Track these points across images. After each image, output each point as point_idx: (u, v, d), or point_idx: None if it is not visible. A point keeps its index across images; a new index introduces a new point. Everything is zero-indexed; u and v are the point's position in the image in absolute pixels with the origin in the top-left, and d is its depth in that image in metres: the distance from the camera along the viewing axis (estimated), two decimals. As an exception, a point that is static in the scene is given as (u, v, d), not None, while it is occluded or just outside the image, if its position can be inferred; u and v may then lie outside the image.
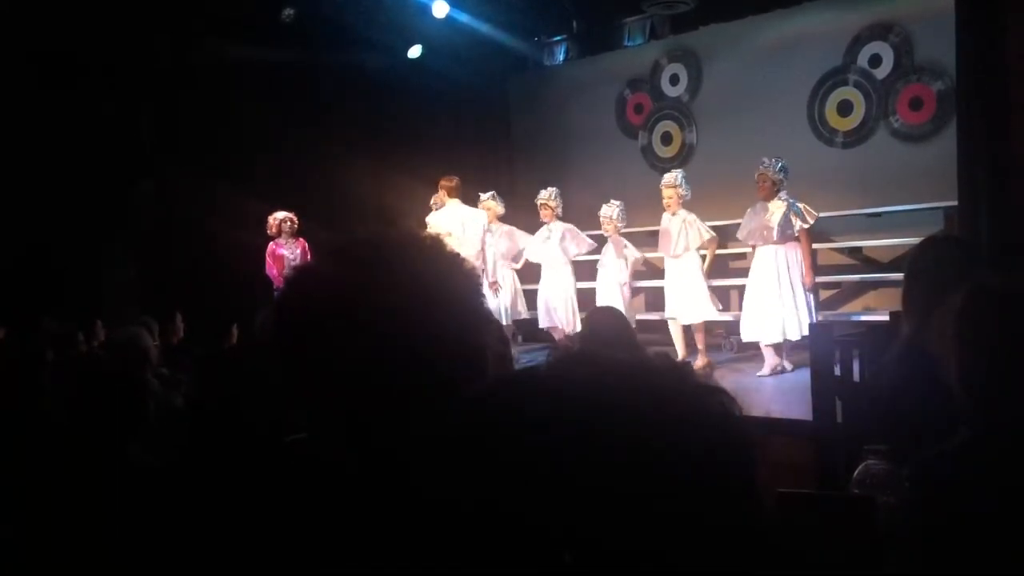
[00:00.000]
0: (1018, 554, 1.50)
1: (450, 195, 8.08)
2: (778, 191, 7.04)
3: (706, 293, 7.56)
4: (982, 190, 6.29)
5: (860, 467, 1.93)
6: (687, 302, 7.49)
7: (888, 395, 2.58)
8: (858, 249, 8.61)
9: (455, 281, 1.12)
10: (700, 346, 7.54)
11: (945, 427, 1.69)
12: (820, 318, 7.11)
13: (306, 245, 8.39)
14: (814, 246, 8.66)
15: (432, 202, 8.49)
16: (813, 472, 3.86)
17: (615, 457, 0.75)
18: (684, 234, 7.46)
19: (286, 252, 8.32)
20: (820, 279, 8.60)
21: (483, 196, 8.46)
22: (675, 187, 7.50)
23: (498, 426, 0.81)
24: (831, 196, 8.51)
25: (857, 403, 3.45)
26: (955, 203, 6.82)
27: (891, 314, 3.44)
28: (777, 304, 6.95)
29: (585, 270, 8.49)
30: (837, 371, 3.93)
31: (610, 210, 7.89)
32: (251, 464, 2.01)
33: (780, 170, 7.05)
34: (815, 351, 4.11)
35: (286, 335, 1.11)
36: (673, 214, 7.51)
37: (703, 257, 7.69)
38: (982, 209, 6.28)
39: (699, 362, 7.37)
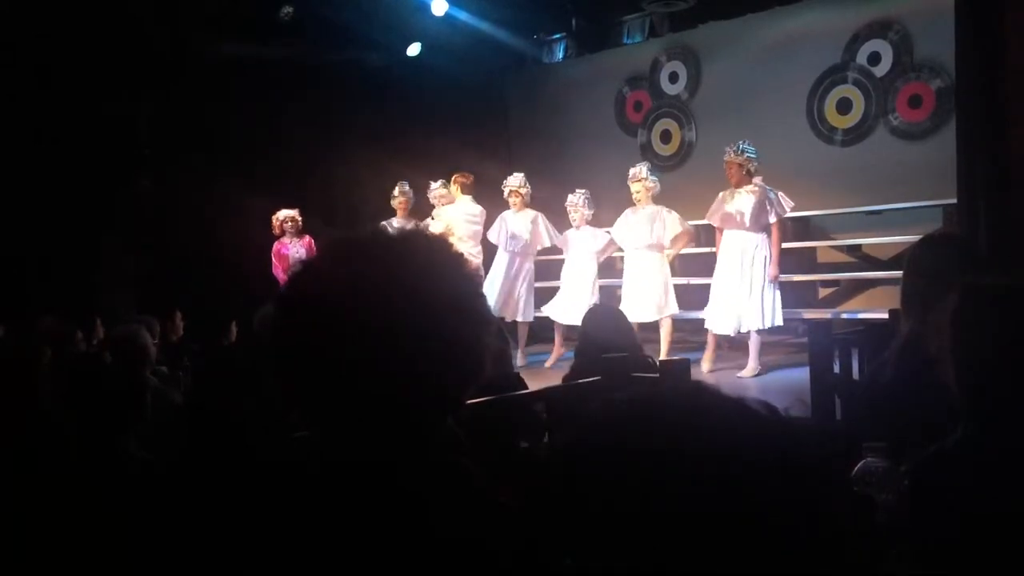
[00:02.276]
0: (1017, 551, 1.50)
1: (463, 191, 8.05)
2: (750, 176, 6.89)
3: (668, 289, 7.43)
4: (981, 188, 6.28)
5: (859, 465, 1.93)
6: (651, 299, 7.38)
7: (887, 393, 2.58)
8: (857, 247, 8.62)
9: (455, 281, 1.12)
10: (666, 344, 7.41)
11: (944, 425, 1.69)
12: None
13: (311, 243, 8.37)
14: (813, 243, 8.71)
15: (435, 195, 8.37)
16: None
17: (620, 470, 0.75)
18: (660, 225, 7.39)
19: (291, 251, 8.32)
20: (819, 276, 8.63)
21: (433, 185, 8.39)
22: (642, 180, 7.45)
23: (502, 434, 0.80)
24: (830, 194, 8.52)
25: (856, 401, 3.45)
26: (954, 201, 6.81)
27: (890, 312, 3.45)
28: (737, 294, 6.84)
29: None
30: (836, 369, 3.93)
31: (576, 198, 7.87)
32: (249, 462, 2.01)
33: (740, 152, 6.87)
34: (814, 349, 4.10)
35: (285, 331, 1.11)
36: (643, 207, 7.46)
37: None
38: (981, 207, 6.27)
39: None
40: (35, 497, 2.36)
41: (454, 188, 8.28)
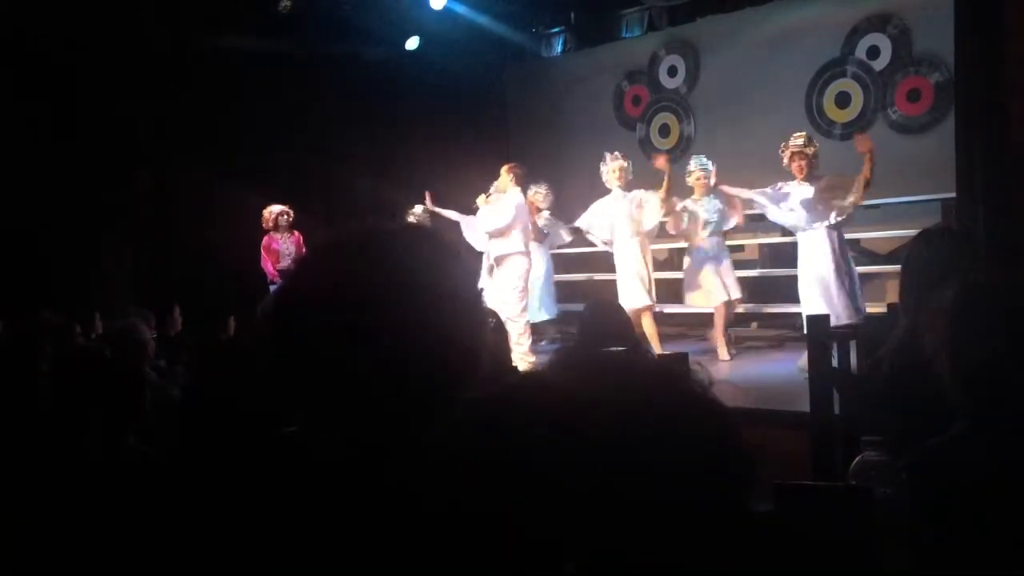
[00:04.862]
0: (1013, 544, 1.51)
1: (516, 182, 7.91)
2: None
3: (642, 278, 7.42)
4: (980, 182, 6.29)
5: (857, 458, 1.93)
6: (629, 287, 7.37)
7: (885, 387, 2.58)
8: (856, 241, 8.60)
9: (453, 276, 1.11)
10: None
11: (942, 419, 1.70)
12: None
13: (301, 238, 8.35)
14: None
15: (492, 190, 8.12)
16: (810, 464, 3.87)
17: (611, 464, 0.76)
18: (643, 213, 7.45)
19: (280, 246, 8.29)
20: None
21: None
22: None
23: (498, 433, 0.81)
24: (829, 188, 8.50)
25: (854, 395, 3.45)
26: (953, 195, 6.82)
27: (888, 306, 3.45)
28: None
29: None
30: (835, 363, 3.93)
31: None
32: (246, 457, 2.01)
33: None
34: (813, 342, 4.11)
35: (283, 326, 1.11)
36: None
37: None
38: (979, 201, 6.27)
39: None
40: (35, 491, 2.36)
41: (507, 178, 8.05)
